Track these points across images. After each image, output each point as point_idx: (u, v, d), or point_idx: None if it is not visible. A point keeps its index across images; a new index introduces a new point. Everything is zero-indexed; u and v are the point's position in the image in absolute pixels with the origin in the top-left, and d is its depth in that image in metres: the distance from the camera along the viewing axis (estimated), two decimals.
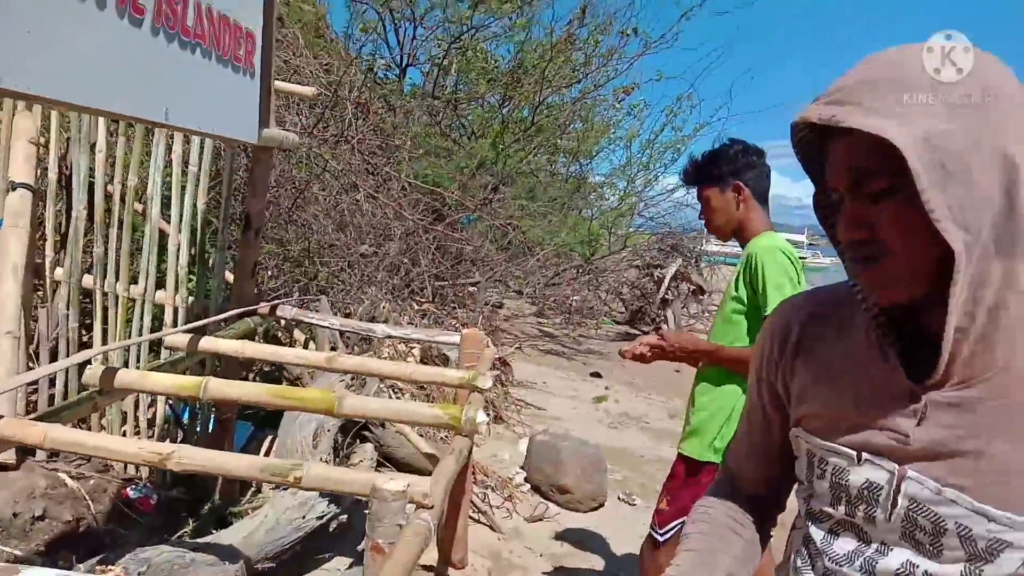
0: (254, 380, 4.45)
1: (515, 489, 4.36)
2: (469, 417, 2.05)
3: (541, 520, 4.09)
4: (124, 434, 3.49)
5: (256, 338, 4.04)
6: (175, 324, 3.48)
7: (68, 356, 3.17)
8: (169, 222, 3.53)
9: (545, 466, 4.41)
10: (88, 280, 3.38)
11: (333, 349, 4.12)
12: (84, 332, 3.58)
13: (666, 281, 11.15)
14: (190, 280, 3.58)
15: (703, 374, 2.52)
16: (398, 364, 2.50)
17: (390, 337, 3.17)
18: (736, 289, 2.41)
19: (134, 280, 3.48)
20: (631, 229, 12.87)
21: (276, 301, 3.37)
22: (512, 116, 10.05)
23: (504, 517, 4.05)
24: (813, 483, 0.99)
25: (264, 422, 3.97)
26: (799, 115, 0.85)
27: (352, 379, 3.47)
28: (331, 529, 3.10)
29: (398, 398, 4.81)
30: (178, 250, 3.48)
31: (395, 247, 6.77)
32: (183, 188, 3.47)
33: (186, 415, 3.69)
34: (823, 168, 0.89)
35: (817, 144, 0.89)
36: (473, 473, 4.22)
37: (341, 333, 4.24)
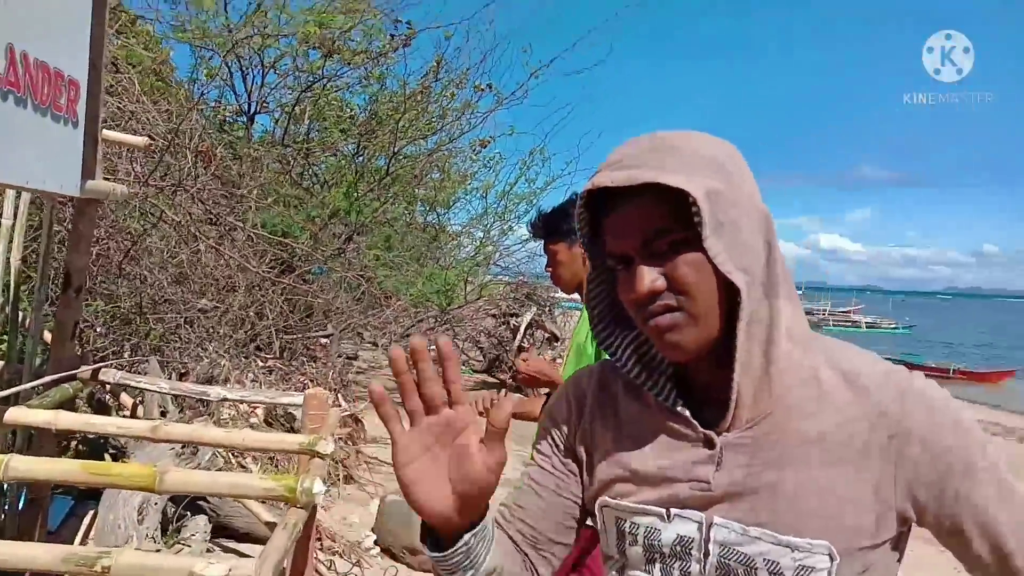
0: (78, 449, 4.09)
1: (364, 554, 4.21)
2: (305, 488, 1.96)
3: None
4: None
5: (79, 405, 3.73)
6: None
7: None
8: None
9: (397, 527, 4.29)
10: None
11: (164, 414, 3.86)
12: None
13: (522, 329, 11.32)
14: (2, 343, 3.26)
15: None
16: (230, 432, 2.36)
17: (226, 400, 3.00)
18: (582, 337, 2.47)
19: None
20: (487, 278, 13.01)
21: (99, 364, 3.12)
22: (367, 166, 9.97)
23: None
24: (625, 552, 0.99)
25: (85, 495, 3.64)
26: (592, 183, 0.90)
27: (184, 447, 3.26)
28: None
29: (240, 464, 4.57)
30: None
31: (239, 300, 6.49)
32: None
33: None
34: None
35: (589, 221, 0.96)
36: (319, 539, 4.05)
37: (175, 396, 3.99)
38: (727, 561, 0.91)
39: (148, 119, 5.14)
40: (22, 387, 2.69)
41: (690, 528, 0.93)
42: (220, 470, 3.76)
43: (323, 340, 8.16)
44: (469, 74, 9.83)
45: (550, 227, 2.52)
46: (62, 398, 2.82)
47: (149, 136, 4.98)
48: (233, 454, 4.51)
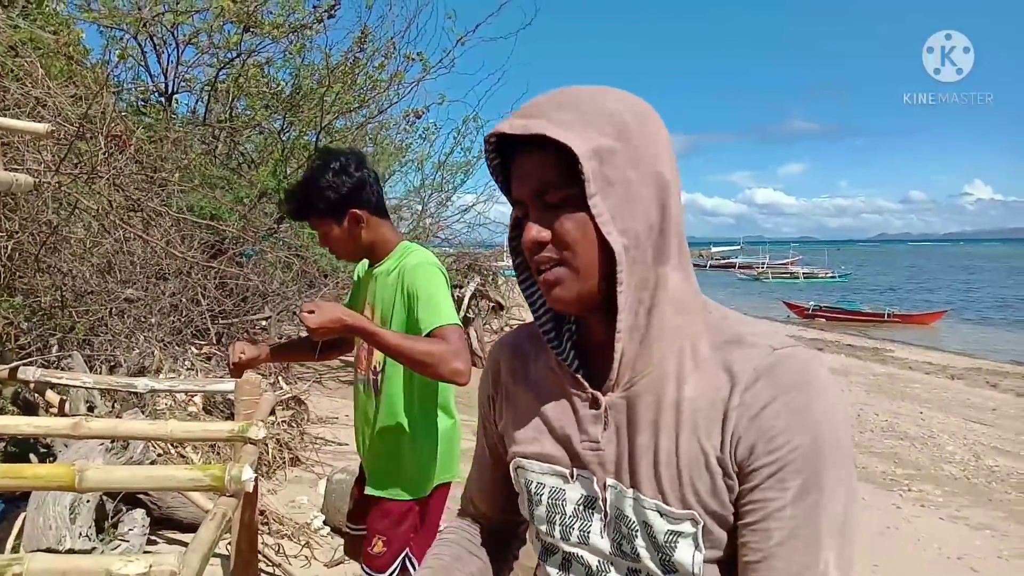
0: (5, 450, 3.95)
1: (313, 534, 4.17)
2: (233, 475, 1.91)
3: (342, 563, 3.95)
4: None
5: (3, 405, 3.59)
6: None
7: None
8: None
9: (343, 505, 4.26)
10: None
11: (91, 409, 3.75)
12: None
13: (466, 300, 11.29)
14: None
15: (388, 397, 2.34)
16: (156, 424, 2.28)
17: (154, 391, 2.92)
18: (393, 311, 2.27)
19: None
20: (429, 250, 12.91)
21: (17, 363, 3.00)
22: (296, 142, 9.74)
23: (302, 566, 3.87)
24: (533, 513, 1.03)
25: (16, 497, 3.52)
26: (495, 128, 0.92)
27: (113, 442, 3.17)
28: None
29: (181, 454, 4.47)
30: None
31: (169, 288, 6.31)
32: None
33: None
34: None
35: (502, 164, 0.97)
36: (265, 523, 4.00)
37: (103, 390, 3.87)
38: (618, 523, 0.93)
39: (55, 104, 4.91)
40: None
41: (590, 488, 0.96)
42: (155, 463, 3.67)
43: (262, 323, 8.01)
44: (395, 43, 9.64)
45: (309, 207, 2.28)
46: None
47: (57, 122, 4.77)
48: (172, 445, 4.40)
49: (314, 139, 9.58)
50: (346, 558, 3.98)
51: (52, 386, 3.48)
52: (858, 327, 23.93)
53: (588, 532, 0.96)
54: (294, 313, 8.74)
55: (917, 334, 22.51)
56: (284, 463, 5.20)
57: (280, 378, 6.20)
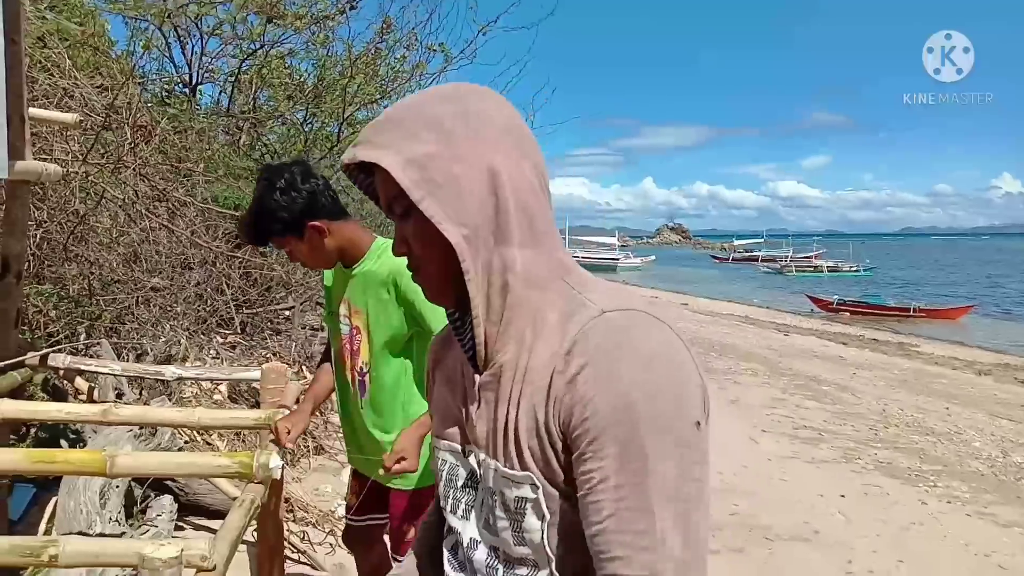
0: (37, 436, 4.01)
1: (337, 522, 4.20)
2: (261, 463, 1.93)
3: None
4: None
5: (30, 391, 3.64)
6: None
7: None
8: None
9: None
10: None
11: (120, 396, 3.79)
12: None
13: None
14: None
15: (375, 396, 2.35)
16: (184, 411, 2.31)
17: (181, 379, 2.94)
18: (382, 314, 2.26)
19: None
20: None
21: (48, 350, 3.04)
22: (318, 133, 9.76)
23: (327, 553, 3.89)
24: (439, 489, 1.09)
25: (48, 482, 3.57)
26: (342, 158, 1.01)
27: (141, 428, 3.20)
28: None
29: (207, 442, 4.51)
30: None
31: (194, 277, 6.36)
32: None
33: None
34: None
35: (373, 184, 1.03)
36: (290, 511, 4.03)
37: (131, 378, 3.91)
38: (484, 495, 0.98)
39: (83, 95, 4.95)
40: None
41: (473, 463, 1.01)
42: (181, 450, 3.71)
43: (285, 313, 8.05)
44: (418, 34, 9.63)
45: (267, 232, 2.26)
46: (8, 386, 2.75)
47: (84, 112, 4.81)
48: (199, 433, 4.45)
49: (336, 130, 9.61)
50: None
51: (81, 373, 3.52)
52: (883, 322, 23.65)
53: (470, 506, 1.02)
54: (317, 303, 8.79)
55: (943, 329, 22.19)
56: (308, 452, 5.24)
57: (304, 367, 6.23)
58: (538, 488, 0.90)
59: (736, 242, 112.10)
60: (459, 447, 1.04)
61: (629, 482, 0.81)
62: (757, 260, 70.13)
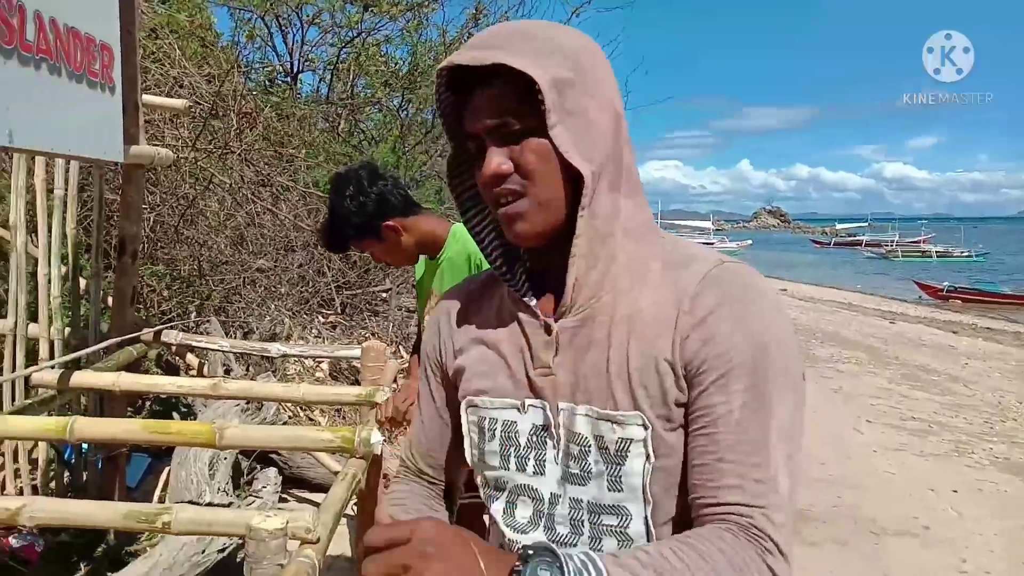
0: (152, 408, 4.23)
1: None
2: (363, 438, 1.96)
3: None
4: (2, 480, 3.24)
5: (145, 366, 3.83)
6: (51, 359, 3.25)
7: None
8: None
9: None
10: None
11: (228, 372, 3.94)
12: None
13: None
14: (67, 311, 3.34)
15: None
16: (289, 387, 2.38)
17: (285, 356, 3.03)
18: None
19: (3, 315, 3.23)
20: None
21: (161, 327, 3.18)
22: (413, 119, 9.89)
23: None
24: (483, 450, 1.02)
25: (162, 452, 3.77)
26: (447, 60, 0.91)
27: (248, 403, 3.32)
28: (238, 559, 2.94)
29: (309, 418, 4.65)
30: (48, 280, 3.24)
31: (297, 259, 6.57)
32: (50, 214, 3.24)
33: (70, 453, 3.45)
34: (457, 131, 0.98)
35: (452, 103, 0.97)
36: (387, 486, 4.10)
37: (239, 354, 4.06)
38: (569, 443, 0.93)
39: (191, 84, 5.16)
40: (87, 351, 2.76)
41: (540, 417, 0.96)
42: (285, 424, 3.83)
43: (383, 295, 8.23)
44: (509, 17, 9.60)
45: (344, 238, 2.32)
46: (126, 360, 2.89)
47: (193, 100, 5.01)
48: (301, 408, 4.59)
49: (430, 116, 9.71)
50: None
51: (192, 349, 3.68)
52: (998, 310, 22.26)
53: (544, 460, 0.96)
54: (412, 286, 8.95)
55: None
56: (404, 428, 5.33)
57: (400, 347, 6.35)
58: (648, 428, 0.88)
59: (838, 226, 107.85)
60: (516, 401, 0.98)
61: (752, 418, 0.84)
62: (860, 245, 67.28)
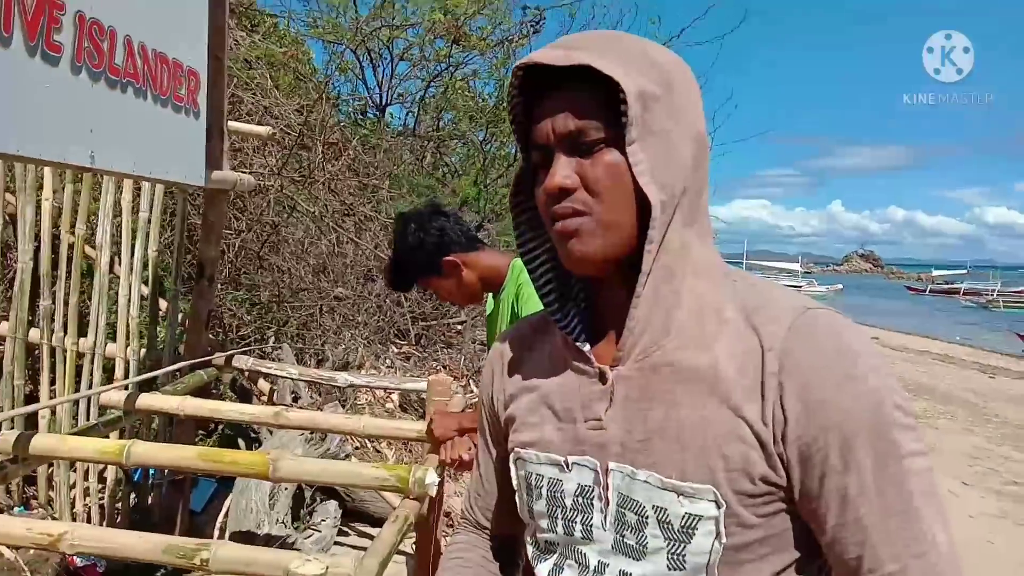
0: (223, 432, 4.26)
1: None
2: (418, 478, 1.87)
3: None
4: (72, 495, 3.29)
5: (221, 389, 3.86)
6: (126, 378, 3.30)
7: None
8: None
9: None
10: (35, 334, 3.20)
11: (296, 399, 3.94)
12: (36, 388, 3.40)
13: None
14: (143, 332, 3.40)
15: None
16: (350, 418, 2.32)
17: (352, 386, 2.99)
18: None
19: (84, 333, 3.30)
20: None
21: (232, 351, 3.19)
22: (497, 153, 9.95)
23: None
24: (532, 508, 0.93)
25: (228, 479, 3.77)
26: (527, 58, 0.82)
27: (312, 433, 3.30)
28: None
29: (376, 449, 4.61)
30: (128, 300, 3.31)
31: (376, 288, 6.61)
32: (134, 235, 3.31)
33: (139, 475, 3.48)
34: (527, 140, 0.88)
35: (524, 107, 0.87)
36: (450, 524, 4.01)
37: (308, 382, 4.06)
38: (623, 510, 0.83)
39: (281, 113, 5.28)
40: (158, 372, 2.77)
41: (588, 476, 0.86)
42: (350, 456, 3.79)
43: (458, 327, 8.21)
44: None
45: (408, 276, 2.27)
46: (196, 384, 2.89)
47: (282, 129, 5.12)
48: (368, 440, 4.55)
49: (513, 149, 9.74)
50: None
51: (263, 375, 3.69)
52: None
53: (591, 524, 0.86)
54: (486, 320, 8.92)
55: None
56: (442, 478, 5.24)
57: (471, 381, 6.29)
58: (721, 506, 0.76)
59: (934, 272, 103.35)
60: (561, 457, 0.88)
61: (890, 487, 0.74)
62: (958, 293, 64.11)
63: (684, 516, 0.78)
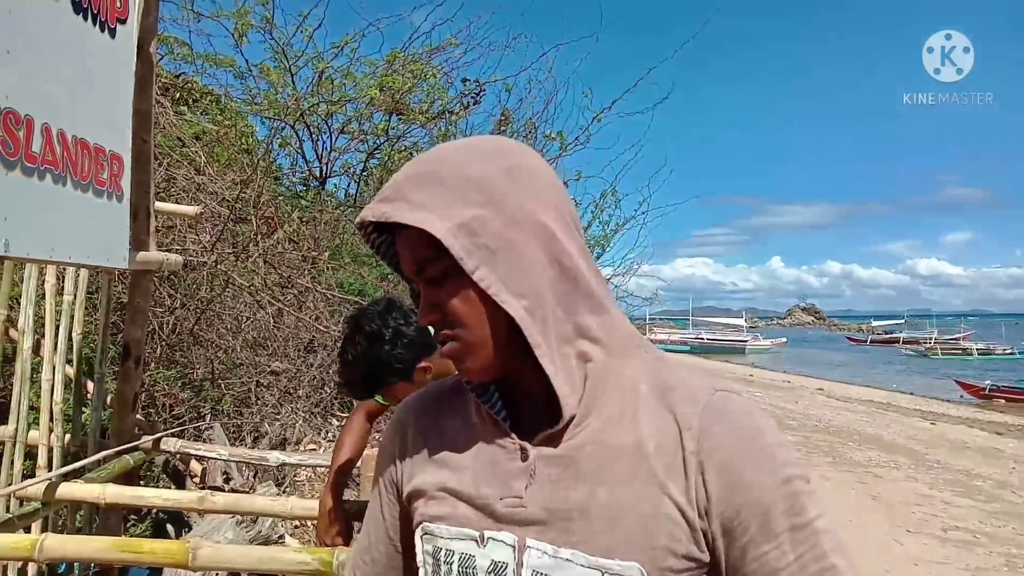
0: (157, 516, 4.12)
1: None
2: (341, 561, 1.85)
3: None
4: None
5: (155, 472, 3.75)
6: (49, 467, 3.19)
7: None
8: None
9: None
10: None
11: (227, 480, 3.85)
12: None
13: None
14: (68, 417, 3.31)
15: None
16: (276, 500, 2.28)
17: (285, 464, 2.94)
18: None
19: (4, 420, 3.20)
20: None
21: (160, 434, 3.12)
22: None
23: None
24: None
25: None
26: (360, 216, 0.89)
27: (243, 516, 3.21)
28: None
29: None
30: (52, 384, 3.22)
31: (317, 360, 6.54)
32: (58, 316, 3.25)
33: (62, 566, 3.34)
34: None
35: (390, 240, 0.93)
36: None
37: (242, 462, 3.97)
38: None
39: (216, 190, 5.28)
40: (83, 462, 2.70)
41: (504, 553, 0.85)
42: (283, 537, 3.70)
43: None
44: (535, 123, 9.84)
45: (373, 389, 2.09)
46: (121, 469, 2.82)
47: (215, 206, 5.12)
48: (301, 522, 4.44)
49: None
50: None
51: (193, 456, 3.60)
52: None
53: None
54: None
55: None
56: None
57: None
58: None
59: (874, 323, 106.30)
60: (475, 532, 0.87)
61: (808, 552, 0.79)
62: (898, 342, 66.02)
63: None
